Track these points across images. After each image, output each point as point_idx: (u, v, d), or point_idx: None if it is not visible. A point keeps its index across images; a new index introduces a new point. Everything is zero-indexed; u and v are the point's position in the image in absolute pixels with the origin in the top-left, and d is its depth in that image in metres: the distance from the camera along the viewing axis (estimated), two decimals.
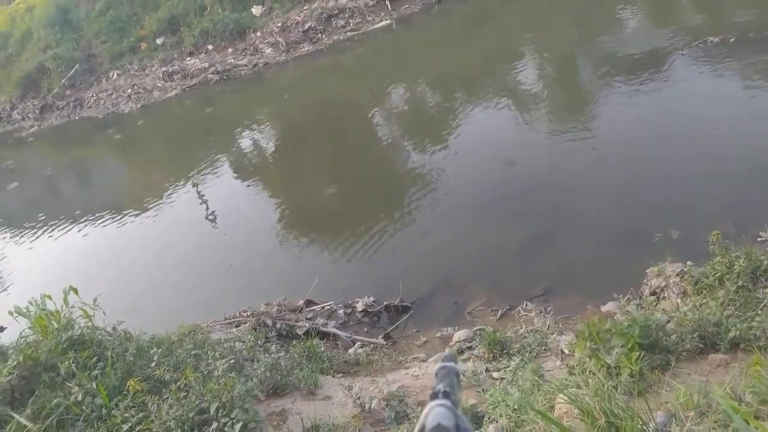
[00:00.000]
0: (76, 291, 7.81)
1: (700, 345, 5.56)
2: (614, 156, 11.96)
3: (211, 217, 15.17)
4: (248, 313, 9.51)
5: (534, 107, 15.34)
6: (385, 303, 10.00)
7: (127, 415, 5.97)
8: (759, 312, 5.77)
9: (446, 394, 0.98)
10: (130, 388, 6.19)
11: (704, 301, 6.40)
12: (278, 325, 9.21)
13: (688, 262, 7.39)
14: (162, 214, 16.06)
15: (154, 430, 5.73)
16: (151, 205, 16.65)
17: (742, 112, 12.12)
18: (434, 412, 0.95)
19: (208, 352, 7.16)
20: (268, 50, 26.53)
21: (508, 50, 19.86)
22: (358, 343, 9.22)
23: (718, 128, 11.65)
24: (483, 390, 6.42)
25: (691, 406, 3.69)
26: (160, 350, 7.11)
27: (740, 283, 6.41)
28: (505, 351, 7.54)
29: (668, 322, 6.07)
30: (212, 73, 26.26)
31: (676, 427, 3.34)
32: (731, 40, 14.97)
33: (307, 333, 9.02)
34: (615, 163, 11.69)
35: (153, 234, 15.10)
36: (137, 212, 16.52)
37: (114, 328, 7.71)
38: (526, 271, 9.77)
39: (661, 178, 10.73)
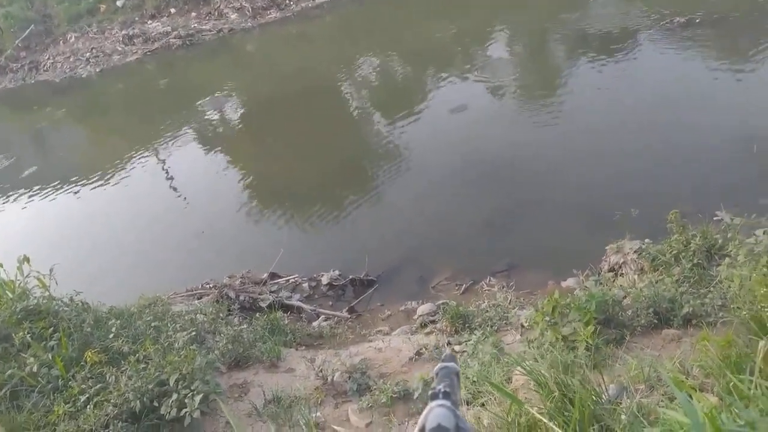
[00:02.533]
0: (28, 260, 7.57)
1: (655, 320, 5.73)
2: (579, 134, 12.11)
3: (173, 187, 14.84)
4: (211, 285, 9.40)
5: (503, 84, 15.34)
6: (350, 277, 10.00)
7: (84, 386, 5.88)
8: (711, 289, 5.96)
9: (446, 395, 0.96)
10: (88, 359, 6.09)
11: (660, 277, 6.58)
12: (241, 298, 9.13)
13: (646, 240, 7.57)
14: (122, 184, 15.65)
15: (112, 401, 5.65)
16: (111, 175, 16.18)
17: (703, 93, 12.38)
18: (434, 412, 0.93)
19: (169, 324, 7.07)
20: (233, 15, 25.79)
21: (480, 25, 19.76)
22: (323, 316, 9.22)
23: (680, 109, 11.89)
24: None
25: (642, 379, 3.81)
26: (118, 322, 6.99)
27: (695, 261, 6.61)
28: (467, 325, 7.64)
29: (624, 297, 6.23)
30: (175, 38, 25.42)
31: (627, 400, 3.45)
32: (697, 20, 15.19)
33: (270, 306, 8.97)
34: (579, 142, 11.84)
35: (113, 204, 14.70)
36: (97, 182, 16.04)
37: (71, 299, 7.52)
38: (491, 247, 9.89)
39: (623, 156, 10.94)
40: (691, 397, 2.19)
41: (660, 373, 3.69)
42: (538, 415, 2.14)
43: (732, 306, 3.92)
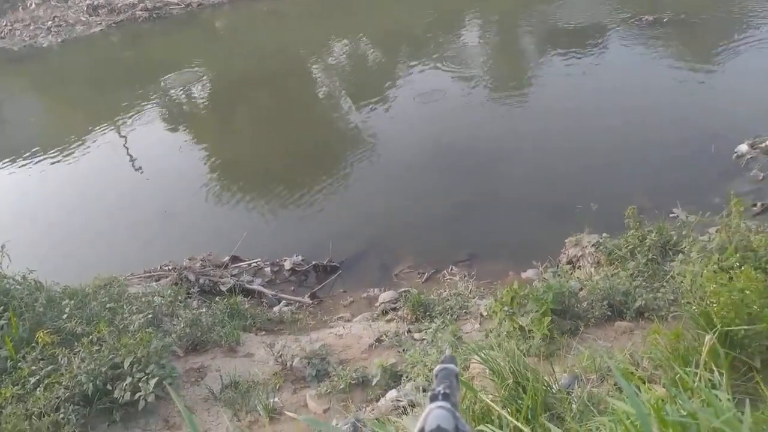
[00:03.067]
0: None
1: (608, 312, 5.88)
2: (543, 128, 12.28)
3: (135, 165, 14.45)
4: (170, 268, 9.22)
5: (472, 75, 15.41)
6: (313, 262, 9.95)
7: (35, 367, 5.73)
8: (664, 284, 6.14)
9: (446, 396, 0.95)
10: (39, 340, 5.92)
11: (615, 271, 6.75)
12: (201, 281, 8.99)
13: (604, 234, 7.74)
14: (82, 159, 15.13)
15: (63, 383, 5.53)
16: (70, 150, 15.62)
17: (666, 92, 12.69)
18: (434, 414, 0.92)
19: (125, 306, 6.92)
20: None
21: (457, 11, 19.73)
22: (284, 301, 9.16)
23: (643, 107, 12.16)
24: (404, 350, 6.56)
25: (594, 369, 3.91)
26: (72, 302, 6.81)
27: (650, 256, 6.79)
28: (427, 313, 7.71)
29: (581, 289, 6.37)
30: (141, 10, 24.66)
31: (579, 389, 3.53)
32: (665, 20, 15.53)
33: (231, 290, 8.86)
34: (544, 135, 12.01)
35: (70, 181, 14.22)
36: (54, 157, 15.46)
37: (24, 277, 7.30)
38: (454, 236, 9.97)
39: (586, 151, 11.15)
40: (639, 388, 2.25)
41: (613, 363, 3.79)
42: (491, 403, 2.17)
43: (682, 301, 4.04)
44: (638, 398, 1.74)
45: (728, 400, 1.89)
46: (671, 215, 8.41)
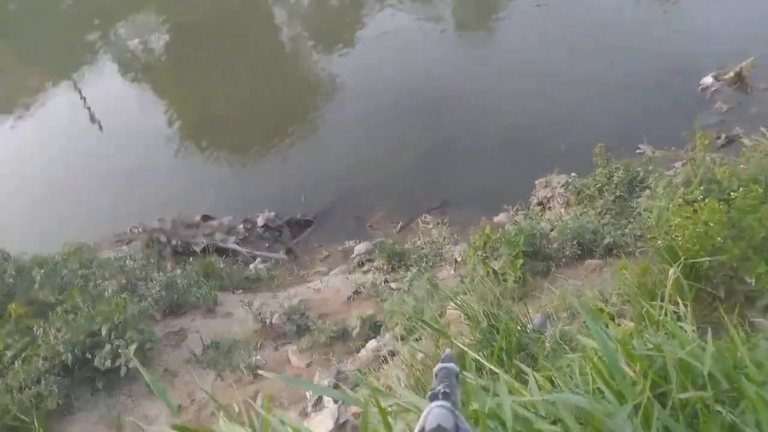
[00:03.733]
0: None
1: (578, 251, 5.99)
2: (511, 71, 12.13)
3: (95, 124, 13.87)
4: (140, 230, 9.06)
5: (439, 16, 15.03)
6: (286, 218, 9.90)
7: (10, 341, 5.67)
8: (631, 220, 6.27)
9: (446, 395, 0.94)
10: (12, 312, 5.84)
11: (585, 210, 6.85)
12: (174, 242, 8.88)
13: (573, 174, 7.83)
14: (38, 121, 14.41)
15: (42, 355, 5.49)
16: (24, 108, 14.90)
17: (629, 24, 12.56)
18: (434, 413, 0.92)
19: (97, 272, 6.83)
20: None
21: None
22: (259, 258, 9.14)
23: (607, 44, 12.05)
24: (381, 300, 6.64)
25: (565, 308, 4.01)
26: (43, 271, 6.70)
27: (617, 194, 6.91)
28: (403, 262, 7.79)
29: (552, 230, 6.47)
30: None
31: (552, 328, 3.63)
32: None
33: (204, 250, 8.78)
34: (510, 78, 11.87)
35: (25, 144, 13.57)
36: (7, 119, 14.76)
37: None
38: (426, 184, 9.98)
39: (552, 92, 11.09)
40: (607, 325, 2.32)
41: (581, 302, 3.90)
42: (464, 348, 2.23)
43: (648, 236, 4.14)
44: (605, 334, 1.79)
45: (693, 331, 1.96)
46: (638, 151, 8.52)
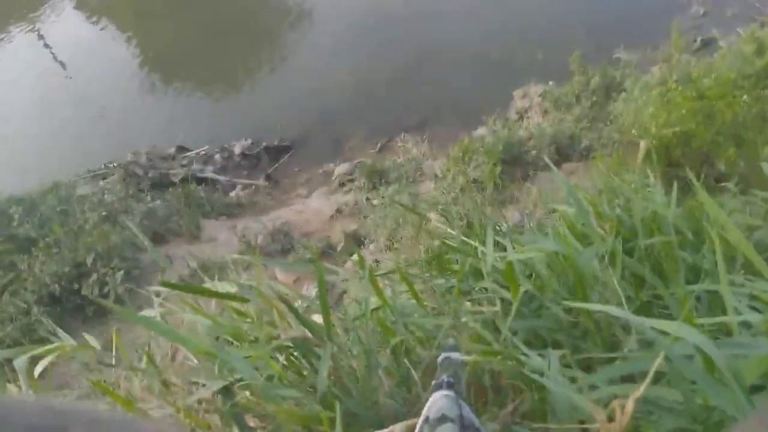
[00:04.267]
0: None
1: (556, 156, 6.07)
2: None
3: (57, 61, 13.37)
4: (115, 165, 8.90)
5: None
6: (264, 144, 9.77)
7: None
8: (608, 123, 6.32)
9: (450, 385, 0.94)
10: None
11: (562, 117, 6.88)
12: (150, 174, 8.76)
13: (550, 83, 7.78)
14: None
15: (29, 288, 5.52)
16: None
17: None
18: (438, 402, 0.91)
19: (75, 207, 6.77)
20: None
21: None
22: (239, 186, 9.10)
23: None
24: (364, 217, 6.71)
25: (542, 202, 4.11)
26: (20, 208, 6.62)
27: (594, 99, 6.92)
28: (383, 180, 7.81)
29: (530, 139, 6.51)
30: None
31: (528, 222, 3.72)
32: None
33: (183, 180, 8.69)
34: None
35: None
36: None
37: None
38: (403, 103, 9.84)
39: (529, 2, 10.80)
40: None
41: (558, 197, 3.98)
42: (449, 230, 2.28)
43: (623, 130, 4.19)
44: (579, 197, 1.84)
45: (661, 196, 2.02)
46: (615, 57, 8.45)
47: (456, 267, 1.61)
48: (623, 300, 1.17)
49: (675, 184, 1.71)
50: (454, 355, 1.06)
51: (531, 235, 1.96)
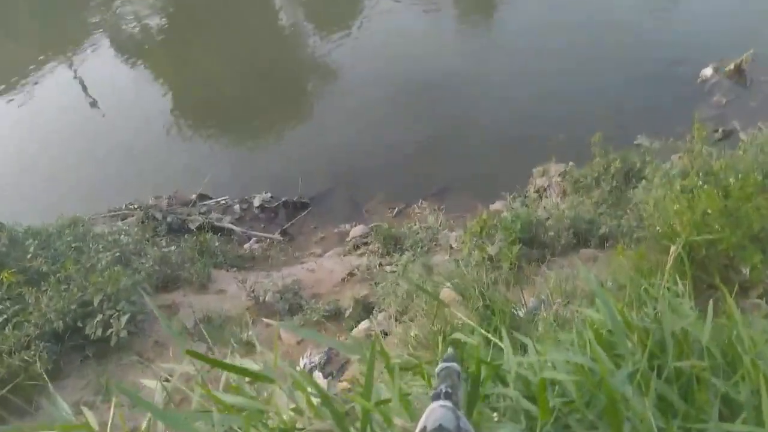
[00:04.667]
0: None
1: (574, 241, 6.03)
2: (509, 60, 12.10)
3: (91, 101, 13.78)
4: (135, 206, 9.01)
5: (439, 6, 14.94)
6: (283, 199, 9.87)
7: (2, 306, 5.63)
8: (627, 211, 6.30)
9: (448, 395, 0.93)
10: (5, 279, 5.80)
11: (581, 200, 6.87)
12: (169, 219, 8.84)
13: (570, 163, 7.84)
14: (33, 96, 14.32)
15: (33, 321, 5.46)
16: (18, 85, 14.80)
17: (631, 14, 12.51)
18: (436, 413, 0.91)
19: (91, 245, 6.79)
20: None
21: None
22: (254, 238, 9.13)
23: (608, 35, 11.99)
24: (375, 283, 6.65)
25: (560, 293, 4.03)
26: (36, 242, 6.65)
27: (614, 184, 6.94)
28: (398, 246, 7.80)
29: (548, 219, 6.49)
30: None
31: (545, 312, 3.65)
32: None
33: (200, 227, 8.75)
34: (510, 67, 11.85)
35: (21, 119, 13.50)
36: (3, 93, 14.65)
37: None
38: (423, 170, 9.97)
39: (552, 82, 11.06)
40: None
41: (577, 287, 3.92)
42: (466, 319, 2.23)
43: (646, 223, 4.15)
44: (609, 302, 1.78)
45: (691, 308, 1.96)
46: (636, 143, 8.53)
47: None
48: None
49: (711, 304, 1.65)
50: (453, 365, 1.03)
51: (553, 342, 1.89)
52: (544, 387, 1.17)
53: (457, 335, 1.75)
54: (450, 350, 1.26)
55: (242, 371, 1.32)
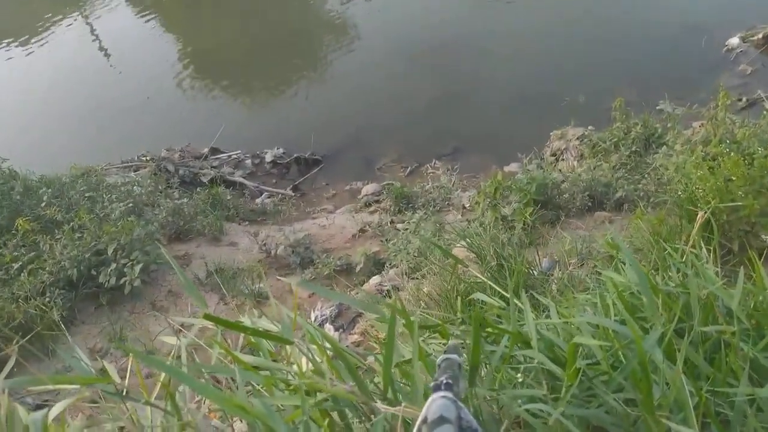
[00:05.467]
0: None
1: (589, 203, 5.95)
2: (530, 16, 11.77)
3: (104, 53, 13.68)
4: (148, 158, 9.00)
5: None
6: (295, 155, 9.81)
7: (17, 254, 5.71)
8: (645, 176, 6.19)
9: (448, 386, 0.92)
10: (19, 227, 5.85)
11: (599, 163, 6.76)
12: (181, 172, 8.83)
13: (590, 127, 7.69)
14: (46, 48, 14.28)
15: (47, 269, 5.53)
16: (32, 38, 14.70)
17: None
18: (436, 403, 0.90)
19: (104, 195, 6.81)
20: None
21: None
22: (266, 193, 9.12)
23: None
24: (386, 240, 6.65)
25: (574, 254, 3.99)
26: (50, 190, 6.68)
27: (633, 148, 6.80)
28: (410, 205, 7.77)
29: (563, 181, 6.40)
30: None
31: (559, 272, 3.62)
32: None
33: (212, 181, 8.75)
34: (530, 24, 11.53)
35: (36, 70, 13.50)
36: (18, 44, 14.55)
37: None
38: (438, 130, 9.83)
39: (574, 42, 10.78)
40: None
41: (592, 248, 3.88)
42: (481, 277, 2.20)
43: (667, 188, 4.08)
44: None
45: (716, 273, 1.92)
46: (657, 108, 8.33)
47: (497, 327, 1.52)
48: (689, 400, 1.08)
49: (742, 270, 1.60)
50: (454, 356, 1.02)
51: (572, 303, 1.87)
52: (575, 351, 1.14)
53: (479, 295, 1.72)
54: (452, 342, 1.26)
55: (262, 334, 1.30)
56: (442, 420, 0.88)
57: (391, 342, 1.07)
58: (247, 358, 1.23)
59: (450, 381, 0.95)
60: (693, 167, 3.67)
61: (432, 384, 0.96)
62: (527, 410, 1.16)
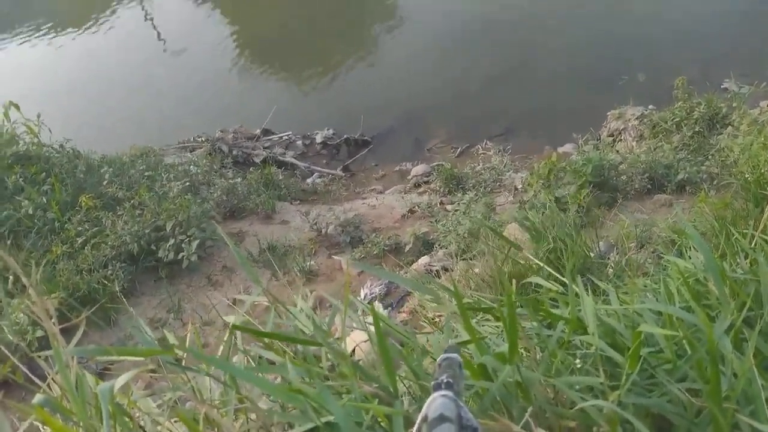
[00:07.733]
0: (17, 107, 7.33)
1: (648, 186, 5.75)
2: None
3: (162, 38, 14.04)
4: (203, 139, 9.23)
5: None
6: (345, 136, 9.86)
7: (80, 228, 5.98)
8: (709, 157, 5.92)
9: (449, 385, 0.93)
10: (83, 203, 6.12)
11: (659, 144, 6.51)
12: (234, 152, 9.03)
13: (650, 106, 7.39)
14: (107, 32, 14.78)
15: (109, 243, 5.78)
16: (94, 23, 15.22)
17: None
18: (437, 402, 0.91)
19: (162, 174, 7.04)
20: None
21: None
22: (316, 173, 9.21)
23: None
24: (436, 221, 6.61)
25: (634, 237, 3.87)
26: (111, 169, 6.96)
27: (696, 129, 6.51)
28: (460, 186, 7.69)
29: (621, 163, 6.19)
30: None
31: (617, 256, 3.52)
32: None
33: (264, 161, 8.91)
34: (591, 3, 11.08)
35: (98, 54, 13.98)
36: (78, 28, 15.10)
37: (61, 146, 7.44)
38: (489, 110, 9.65)
39: (633, 19, 10.32)
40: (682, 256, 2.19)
41: (652, 232, 3.74)
42: (536, 261, 2.16)
43: (734, 171, 3.88)
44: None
45: None
46: (722, 86, 7.93)
47: (556, 312, 1.48)
48: (761, 392, 1.03)
49: None
50: (454, 355, 1.03)
51: (633, 289, 1.80)
52: (639, 339, 1.10)
53: (535, 279, 1.69)
54: (451, 342, 1.26)
55: (290, 339, 1.31)
56: (442, 418, 0.89)
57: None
58: None
59: (450, 380, 0.96)
60: (761, 148, 3.47)
61: (432, 383, 0.97)
62: (583, 398, 1.13)
